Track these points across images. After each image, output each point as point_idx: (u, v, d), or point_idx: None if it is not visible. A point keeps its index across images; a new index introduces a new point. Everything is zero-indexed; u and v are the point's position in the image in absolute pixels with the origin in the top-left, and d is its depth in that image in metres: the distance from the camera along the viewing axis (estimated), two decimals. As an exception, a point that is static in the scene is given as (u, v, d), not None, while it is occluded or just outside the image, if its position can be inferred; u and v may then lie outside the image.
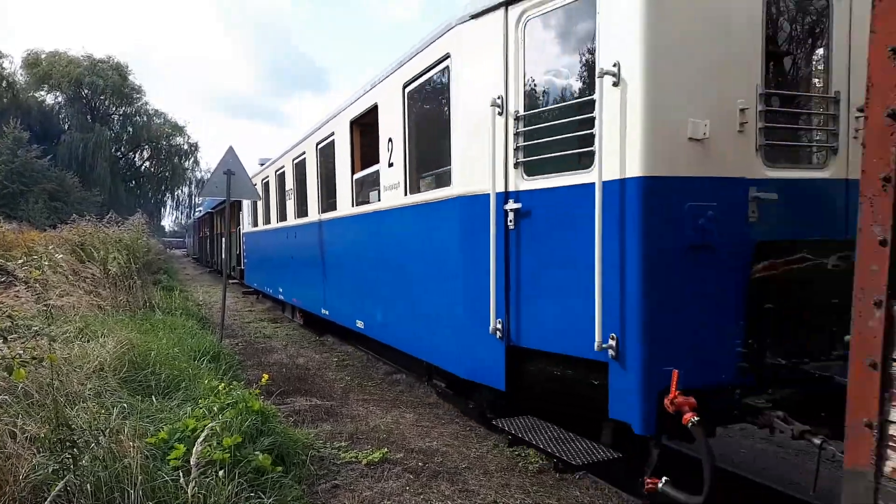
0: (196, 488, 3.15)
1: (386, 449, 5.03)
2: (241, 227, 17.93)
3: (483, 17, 4.65)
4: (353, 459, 4.85)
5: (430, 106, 5.90)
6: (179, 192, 59.18)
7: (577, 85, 4.24)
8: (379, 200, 6.89)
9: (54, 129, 45.05)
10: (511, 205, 4.47)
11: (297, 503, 3.87)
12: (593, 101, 3.84)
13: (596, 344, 3.85)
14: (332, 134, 8.52)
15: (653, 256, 3.67)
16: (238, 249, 18.60)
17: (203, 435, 3.36)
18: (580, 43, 4.18)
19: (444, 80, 5.35)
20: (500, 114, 4.50)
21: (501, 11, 4.50)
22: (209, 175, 10.06)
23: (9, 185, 31.09)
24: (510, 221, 4.50)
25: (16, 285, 7.87)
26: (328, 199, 9.06)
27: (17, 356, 3.47)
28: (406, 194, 6.15)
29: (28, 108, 42.51)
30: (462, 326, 5.05)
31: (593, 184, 3.81)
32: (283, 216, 12.29)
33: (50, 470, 3.16)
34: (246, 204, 16.74)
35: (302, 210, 10.61)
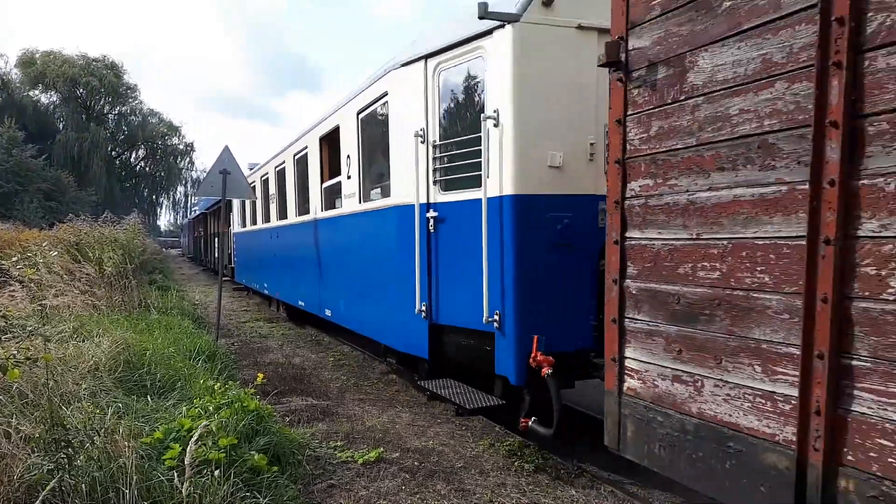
0: (191, 488, 3.15)
1: (382, 448, 5.03)
2: (231, 227, 18.71)
3: (410, 65, 5.88)
4: (349, 459, 4.85)
5: (376, 131, 7.00)
6: (175, 191, 59.15)
7: (473, 123, 5.27)
8: (341, 207, 8.12)
9: (49, 129, 44.88)
10: (431, 213, 5.69)
11: (292, 503, 3.86)
12: (480, 138, 5.00)
13: (484, 318, 5.06)
14: (306, 147, 9.76)
15: (522, 253, 4.87)
16: (229, 248, 19.27)
17: (197, 434, 3.34)
18: (476, 91, 5.37)
19: (385, 111, 6.52)
20: (423, 142, 5.69)
21: (422, 62, 5.72)
22: (205, 175, 10.08)
23: (3, 184, 30.96)
24: (431, 226, 5.70)
25: (11, 285, 7.85)
26: (303, 203, 10.28)
27: (12, 356, 3.46)
28: (360, 202, 7.38)
29: (23, 108, 42.35)
30: (399, 310, 6.22)
31: (481, 199, 5.02)
32: (266, 218, 13.45)
33: (45, 470, 3.15)
34: (236, 205, 17.30)
35: (282, 213, 11.85)
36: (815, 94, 2.41)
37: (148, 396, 4.97)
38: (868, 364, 2.29)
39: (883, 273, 2.23)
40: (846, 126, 2.32)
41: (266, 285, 14.02)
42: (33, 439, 3.38)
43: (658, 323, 3.18)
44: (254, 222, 15.17)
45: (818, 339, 2.40)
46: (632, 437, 3.37)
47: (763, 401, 2.63)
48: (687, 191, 3.00)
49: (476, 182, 5.17)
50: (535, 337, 4.67)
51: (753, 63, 2.67)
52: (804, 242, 2.46)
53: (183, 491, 3.07)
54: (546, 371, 4.60)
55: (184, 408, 4.55)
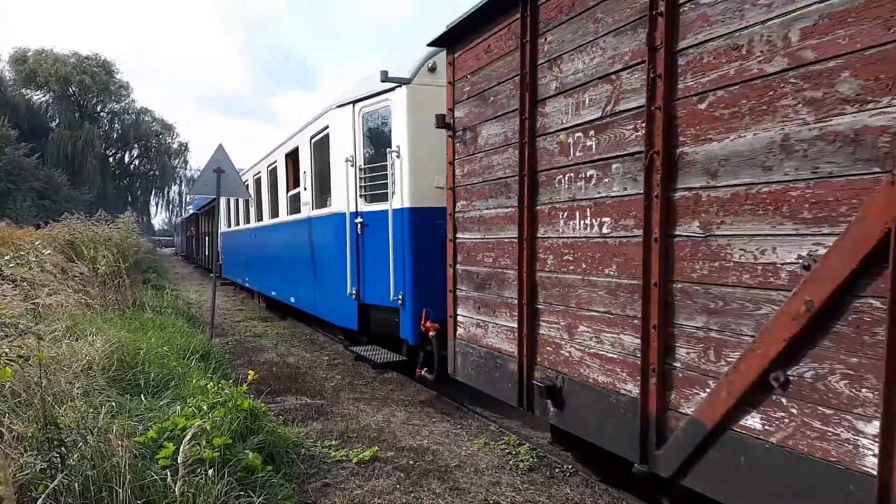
0: (185, 487, 3.13)
1: (376, 447, 5.03)
2: (218, 227, 20.27)
3: (343, 107, 7.75)
4: (344, 458, 4.84)
5: (323, 154, 8.69)
6: (169, 190, 58.97)
7: (384, 154, 7.05)
8: (300, 212, 9.94)
9: (42, 127, 44.67)
10: (358, 219, 7.49)
11: (287, 502, 3.85)
12: (387, 165, 6.87)
13: (391, 297, 6.88)
14: (276, 161, 11.70)
15: (416, 249, 6.68)
16: (217, 247, 20.62)
17: (191, 433, 3.33)
18: (386, 130, 7.14)
19: (327, 140, 8.35)
20: (352, 166, 7.53)
21: (351, 106, 7.58)
22: (199, 173, 10.05)
23: (-4, 182, 30.81)
24: (358, 229, 7.50)
25: (3, 284, 7.81)
26: (274, 208, 12.18)
27: (4, 354, 3.44)
28: (312, 209, 9.25)
29: (16, 106, 42.16)
30: (338, 293, 8.09)
31: (388, 210, 6.90)
32: (247, 220, 15.35)
33: (37, 469, 3.14)
34: (222, 207, 18.59)
35: (259, 216, 13.75)
36: (519, 157, 4.30)
37: (141, 395, 4.94)
38: (542, 307, 4.14)
39: (544, 256, 4.09)
40: (530, 177, 4.17)
41: (247, 279, 15.96)
42: (26, 438, 3.36)
43: (470, 291, 5.11)
44: (237, 223, 17.08)
45: (524, 295, 4.26)
46: (460, 365, 5.32)
47: (509, 333, 4.51)
48: (479, 209, 4.93)
49: (387, 197, 6.95)
50: (424, 310, 6.40)
51: (501, 136, 4.56)
52: (517, 240, 4.34)
53: (176, 490, 3.05)
54: (431, 334, 6.28)
55: (178, 407, 4.53)
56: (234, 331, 11.53)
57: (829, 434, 2.39)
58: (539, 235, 4.12)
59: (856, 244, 2.25)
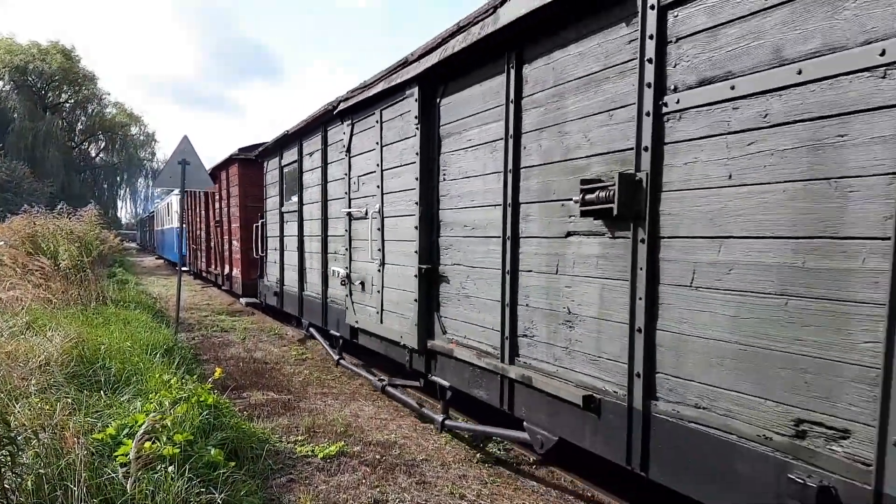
0: (141, 484, 3.07)
1: (343, 442, 4.99)
2: (155, 226, 38.34)
3: (175, 195, 28.78)
4: (310, 453, 4.79)
5: (171, 208, 29.13)
6: (136, 183, 57.94)
7: (179, 211, 22.33)
8: (171, 224, 28.21)
9: (2, 118, 43.50)
10: (178, 229, 18.14)
11: (250, 498, 3.79)
12: (181, 215, 14.10)
13: (184, 251, 21.91)
14: (168, 203, 29.65)
15: (184, 239, 23.27)
16: (160, 238, 35.66)
17: (143, 428, 3.25)
18: (169, 210, 30.49)
19: (171, 205, 30.32)
20: (176, 213, 26.61)
21: (177, 196, 26.55)
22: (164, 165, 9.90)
23: (-46, 175, 29.92)
24: (179, 232, 13.94)
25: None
26: (168, 220, 29.63)
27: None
28: (172, 223, 27.77)
29: (-27, 96, 40.93)
30: (175, 250, 25.53)
31: (182, 226, 13.39)
32: (160, 225, 28.84)
33: (-12, 468, 3.04)
34: (161, 214, 33.47)
35: (169, 222, 28.11)
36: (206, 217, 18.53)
37: (102, 391, 4.83)
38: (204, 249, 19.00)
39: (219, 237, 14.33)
40: (207, 224, 17.27)
41: (165, 252, 31.71)
42: (-24, 436, 3.25)
43: (196, 249, 20.96)
44: (160, 225, 34.49)
45: (200, 247, 20.70)
46: (194, 268, 21.51)
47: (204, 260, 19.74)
48: (197, 229, 21.19)
49: (179, 223, 17.18)
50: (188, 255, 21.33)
51: (202, 216, 20.26)
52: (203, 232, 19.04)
53: (128, 488, 2.98)
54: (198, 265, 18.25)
55: (139, 403, 4.43)
56: (202, 325, 11.36)
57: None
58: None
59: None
